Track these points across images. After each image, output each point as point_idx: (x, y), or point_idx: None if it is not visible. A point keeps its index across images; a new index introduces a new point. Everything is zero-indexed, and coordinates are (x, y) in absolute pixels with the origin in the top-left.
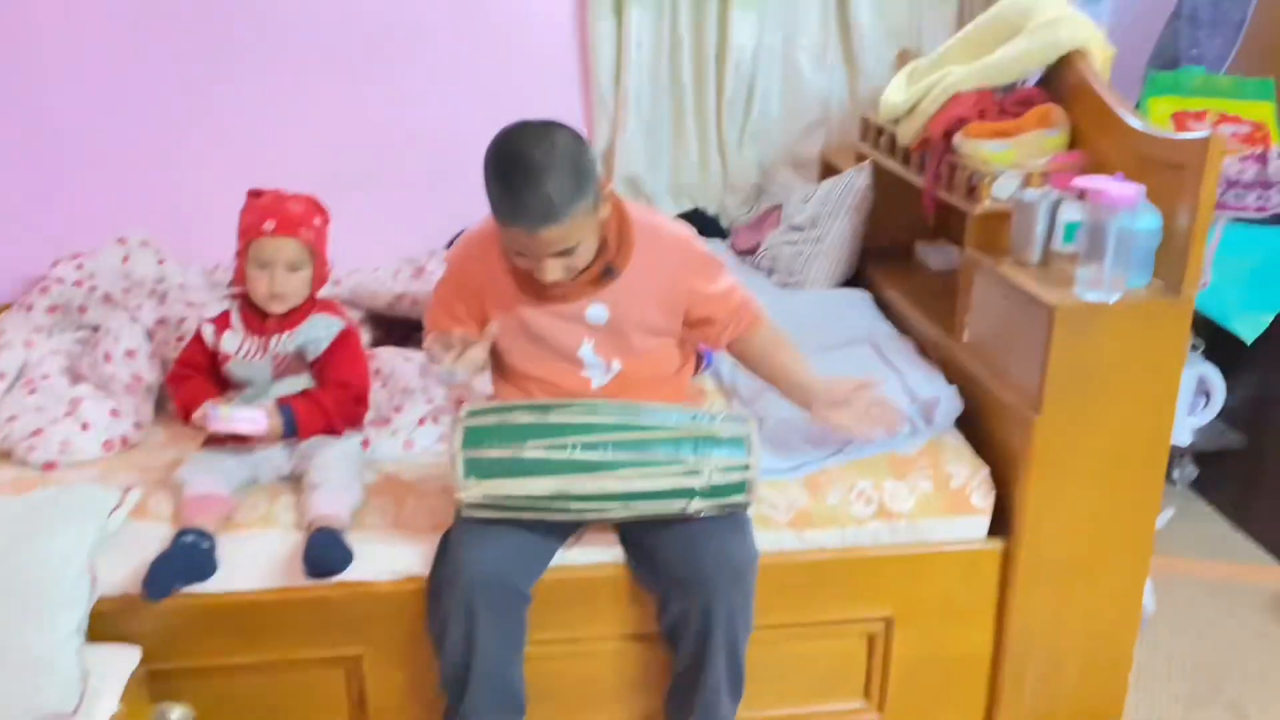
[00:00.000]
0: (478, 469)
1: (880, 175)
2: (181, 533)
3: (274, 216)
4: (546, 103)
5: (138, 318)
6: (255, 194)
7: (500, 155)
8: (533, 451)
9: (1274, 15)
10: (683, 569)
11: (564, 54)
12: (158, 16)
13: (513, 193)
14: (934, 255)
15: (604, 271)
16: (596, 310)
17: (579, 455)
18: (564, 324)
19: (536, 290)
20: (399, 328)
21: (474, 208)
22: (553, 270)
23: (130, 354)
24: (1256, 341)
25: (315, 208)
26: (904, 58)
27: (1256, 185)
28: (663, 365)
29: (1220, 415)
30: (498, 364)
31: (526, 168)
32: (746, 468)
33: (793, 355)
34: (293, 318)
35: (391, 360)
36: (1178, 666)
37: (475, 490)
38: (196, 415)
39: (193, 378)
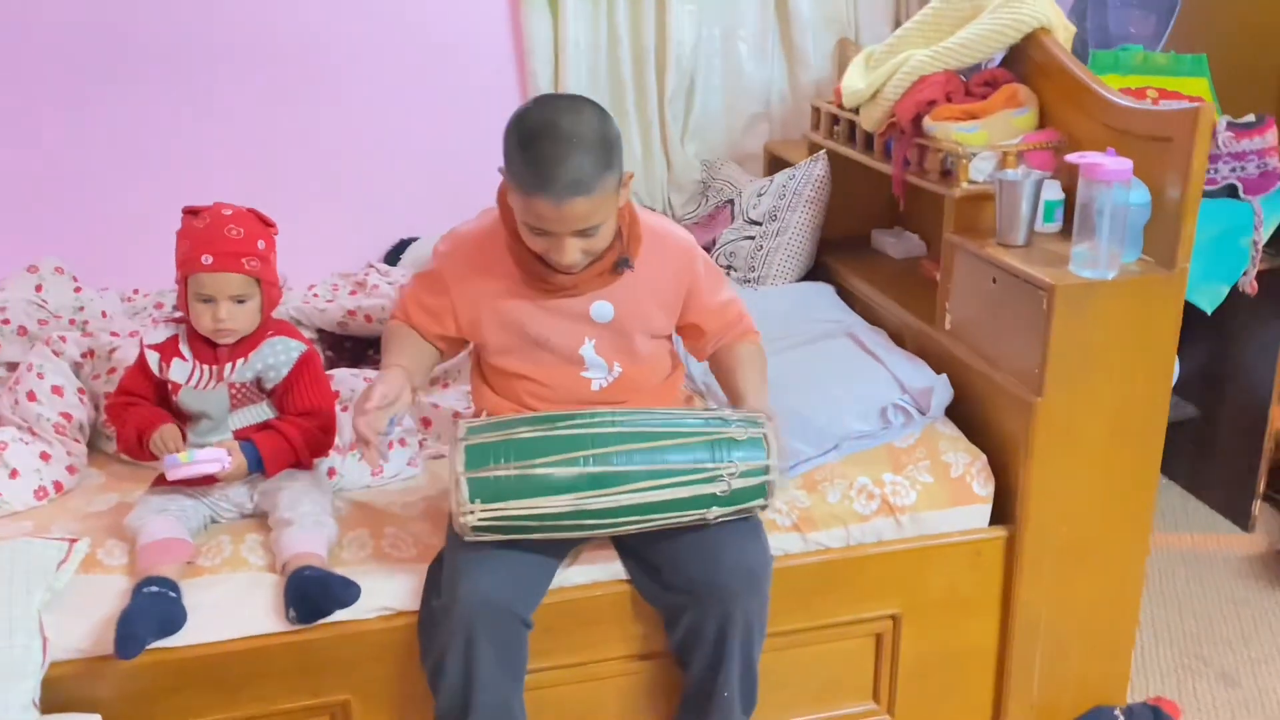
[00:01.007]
0: (483, 490)
1: (834, 164)
2: (143, 583)
3: (212, 249)
4: (482, 105)
5: (62, 351)
6: (191, 213)
7: (528, 124)
8: (542, 469)
9: None
10: (698, 578)
11: (500, 51)
12: (70, 25)
13: (542, 162)
14: (892, 243)
15: (617, 263)
16: (601, 307)
17: (592, 469)
18: (567, 322)
19: (542, 283)
20: (350, 346)
21: (409, 217)
22: (572, 251)
23: (56, 391)
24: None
25: (258, 227)
26: (844, 47)
27: (1211, 158)
28: (659, 369)
29: (1174, 387)
30: (485, 370)
31: (557, 136)
32: (766, 470)
33: (755, 377)
34: (246, 343)
35: (350, 381)
36: (1163, 639)
37: (482, 513)
38: (156, 444)
39: (139, 404)
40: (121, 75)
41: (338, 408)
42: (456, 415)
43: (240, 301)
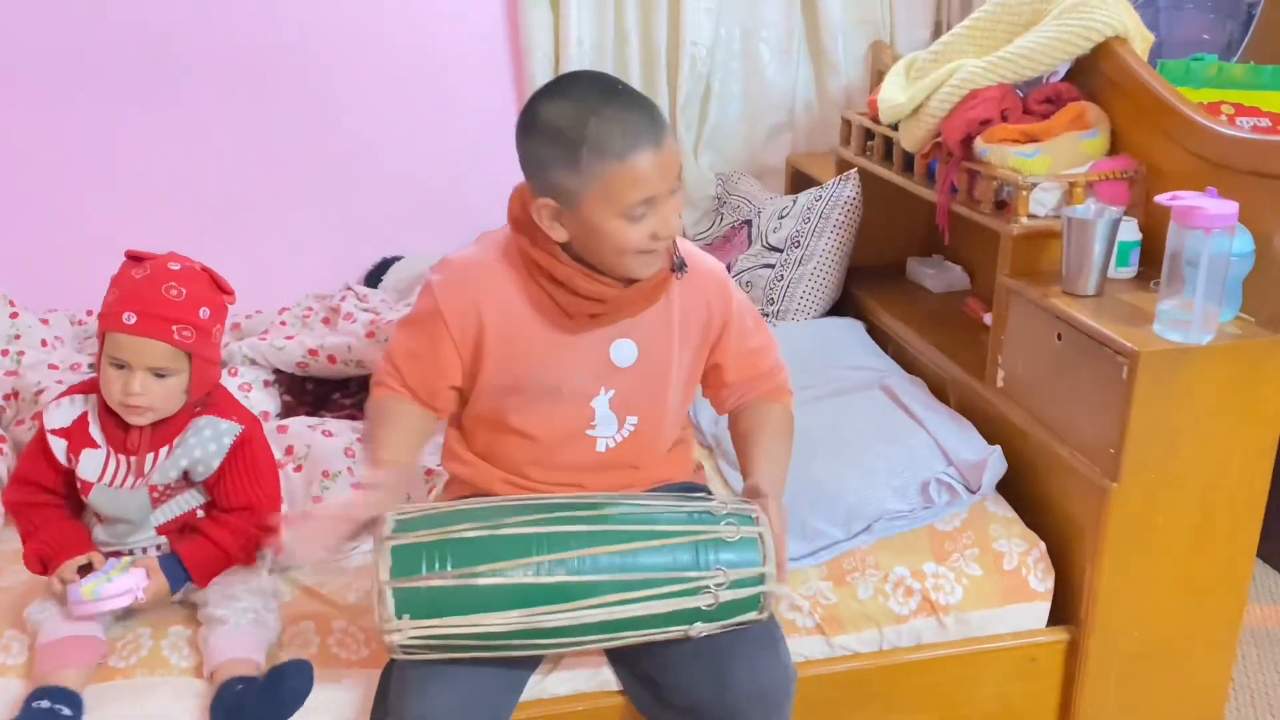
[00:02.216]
0: (413, 604)
1: (866, 184)
2: (34, 695)
3: (138, 307)
4: (475, 109)
5: None
6: (134, 259)
7: (577, 94)
8: (487, 578)
9: None
10: (704, 700)
11: (494, 52)
12: (18, 22)
13: (623, 113)
14: (931, 275)
15: (674, 266)
16: (623, 348)
17: (546, 579)
18: (583, 366)
19: (561, 314)
20: (312, 388)
21: (394, 233)
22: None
23: None
24: None
25: (207, 291)
26: (878, 51)
27: None
28: (673, 428)
29: None
30: (466, 426)
31: (617, 91)
32: (761, 579)
33: (774, 448)
34: (168, 428)
35: (306, 436)
36: None
37: (411, 631)
38: (55, 588)
39: (41, 506)
40: (88, 81)
41: (289, 467)
42: (429, 472)
43: (160, 376)
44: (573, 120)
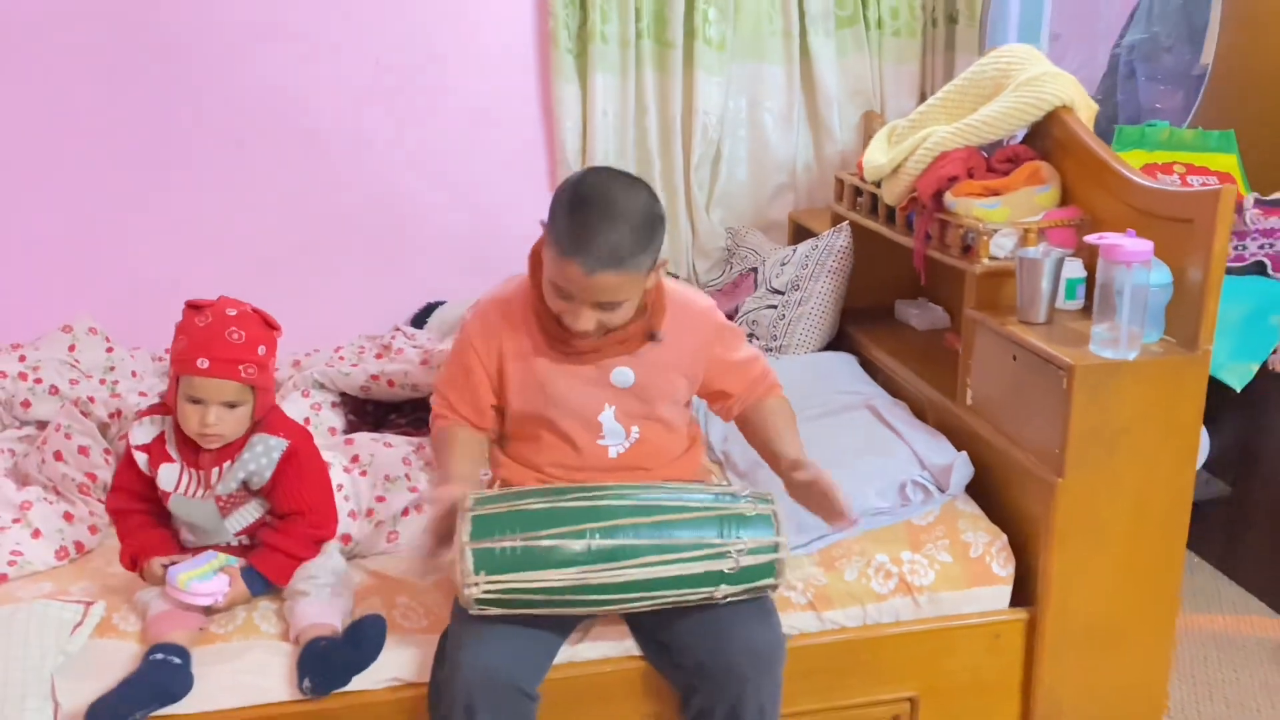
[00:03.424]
0: (488, 562)
1: (857, 235)
2: (151, 650)
3: (209, 353)
4: (511, 171)
5: (90, 411)
6: (194, 308)
7: (582, 187)
8: (548, 540)
9: (1232, 68)
10: (707, 660)
11: (528, 120)
12: (102, 96)
13: (585, 228)
14: (916, 314)
15: (649, 335)
16: (622, 373)
17: (598, 542)
18: (587, 387)
19: (564, 345)
20: (372, 410)
21: (437, 282)
22: (586, 320)
23: (83, 451)
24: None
25: (261, 331)
26: (869, 119)
27: (1235, 235)
28: (679, 438)
29: (1205, 464)
30: (504, 436)
31: (606, 206)
32: (776, 548)
33: (788, 430)
34: (230, 447)
35: (370, 446)
36: None
37: (486, 585)
38: (148, 574)
39: (135, 514)
40: (159, 141)
41: (355, 472)
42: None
43: (232, 407)
44: (567, 198)
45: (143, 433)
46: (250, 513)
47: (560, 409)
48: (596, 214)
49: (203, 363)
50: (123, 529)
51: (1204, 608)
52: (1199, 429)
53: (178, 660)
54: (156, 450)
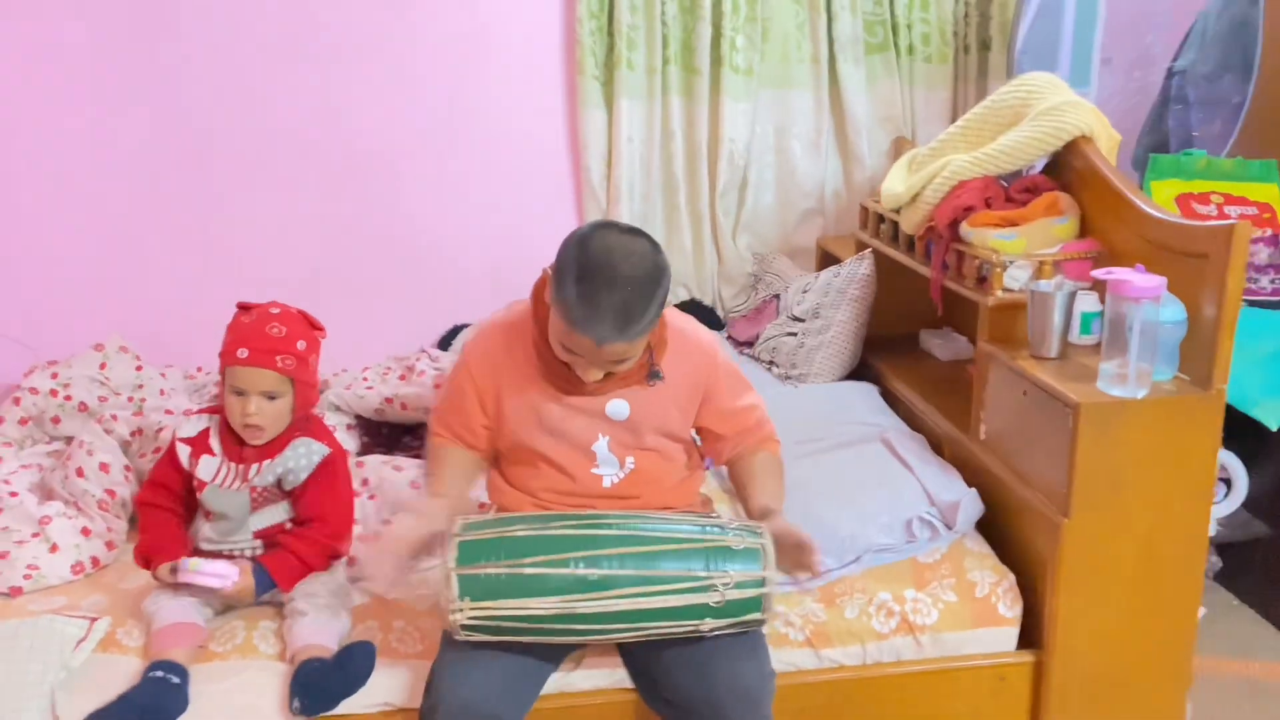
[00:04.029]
0: (473, 588)
1: (881, 263)
2: (151, 666)
3: (249, 344)
4: (537, 196)
5: (112, 429)
6: (243, 308)
7: (585, 259)
8: (532, 568)
9: (1274, 96)
10: (693, 697)
11: (554, 146)
12: (136, 120)
13: (593, 304)
14: (940, 344)
15: (649, 374)
16: (617, 405)
17: (582, 571)
18: (582, 418)
19: (561, 381)
20: (386, 432)
21: (463, 305)
22: (595, 374)
23: (104, 468)
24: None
25: (302, 329)
26: (899, 145)
27: (1269, 268)
28: (675, 468)
29: (1244, 504)
30: (501, 461)
31: (612, 280)
32: (763, 582)
33: (770, 487)
34: (273, 444)
35: (380, 470)
36: None
37: (471, 611)
38: (162, 573)
39: (161, 510)
40: (191, 166)
41: (364, 496)
42: (483, 506)
43: (272, 398)
44: (573, 270)
45: (189, 427)
46: (275, 514)
47: (555, 438)
48: (605, 287)
49: (242, 352)
50: (145, 522)
51: (1240, 652)
52: (1214, 469)
53: (176, 680)
54: (200, 444)
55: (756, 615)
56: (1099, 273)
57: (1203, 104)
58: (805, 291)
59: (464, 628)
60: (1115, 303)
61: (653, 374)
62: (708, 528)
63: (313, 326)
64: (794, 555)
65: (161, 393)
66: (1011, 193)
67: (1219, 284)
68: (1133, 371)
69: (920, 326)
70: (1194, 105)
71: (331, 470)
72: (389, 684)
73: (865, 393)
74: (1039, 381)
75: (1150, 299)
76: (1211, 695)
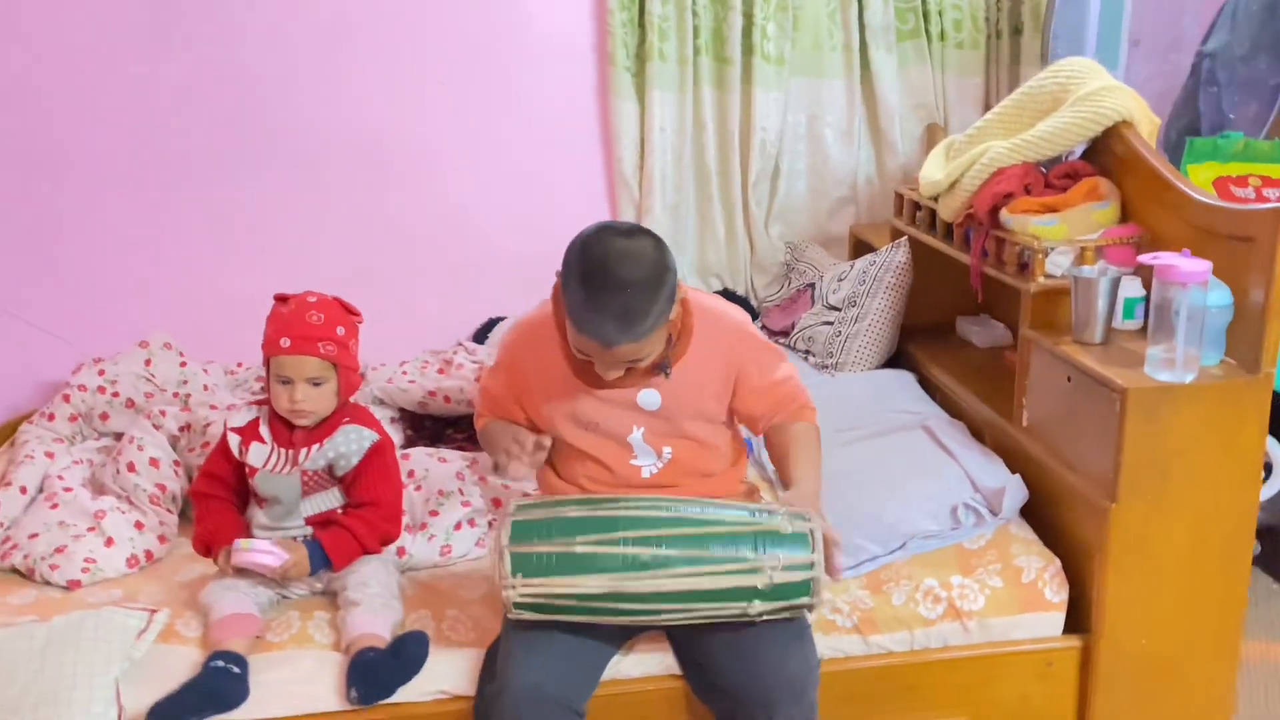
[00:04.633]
0: (525, 565)
1: (917, 251)
2: (212, 656)
3: (291, 333)
4: (570, 187)
5: (161, 424)
6: (281, 300)
7: (587, 264)
8: (583, 547)
9: None
10: (739, 683)
11: (586, 138)
12: (175, 118)
13: (596, 308)
14: (977, 331)
15: (659, 366)
16: (649, 395)
17: (631, 550)
18: (615, 410)
19: (590, 377)
20: (430, 425)
21: (498, 297)
22: (614, 371)
23: (154, 463)
24: None
25: (339, 315)
26: (932, 132)
27: None
28: (716, 456)
29: None
30: (551, 451)
31: (615, 284)
32: (811, 566)
33: (808, 458)
34: (322, 430)
35: (425, 462)
36: None
37: (522, 588)
38: (220, 561)
39: (216, 499)
40: (230, 163)
41: (410, 487)
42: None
43: (316, 384)
44: (577, 273)
45: (239, 418)
46: (326, 500)
47: (590, 433)
48: (606, 290)
49: (285, 342)
50: (201, 511)
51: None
52: (1261, 453)
53: (237, 670)
54: (249, 432)
55: (805, 599)
56: (1145, 258)
57: (1237, 86)
58: (841, 280)
59: (516, 605)
60: (1162, 287)
61: (661, 368)
62: (757, 512)
63: (350, 312)
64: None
65: (205, 388)
66: (1051, 179)
67: (1267, 267)
68: (1180, 356)
69: (956, 314)
70: (1225, 87)
71: (382, 457)
72: (444, 672)
73: (903, 380)
74: (1084, 367)
75: (1197, 283)
76: (1255, 680)
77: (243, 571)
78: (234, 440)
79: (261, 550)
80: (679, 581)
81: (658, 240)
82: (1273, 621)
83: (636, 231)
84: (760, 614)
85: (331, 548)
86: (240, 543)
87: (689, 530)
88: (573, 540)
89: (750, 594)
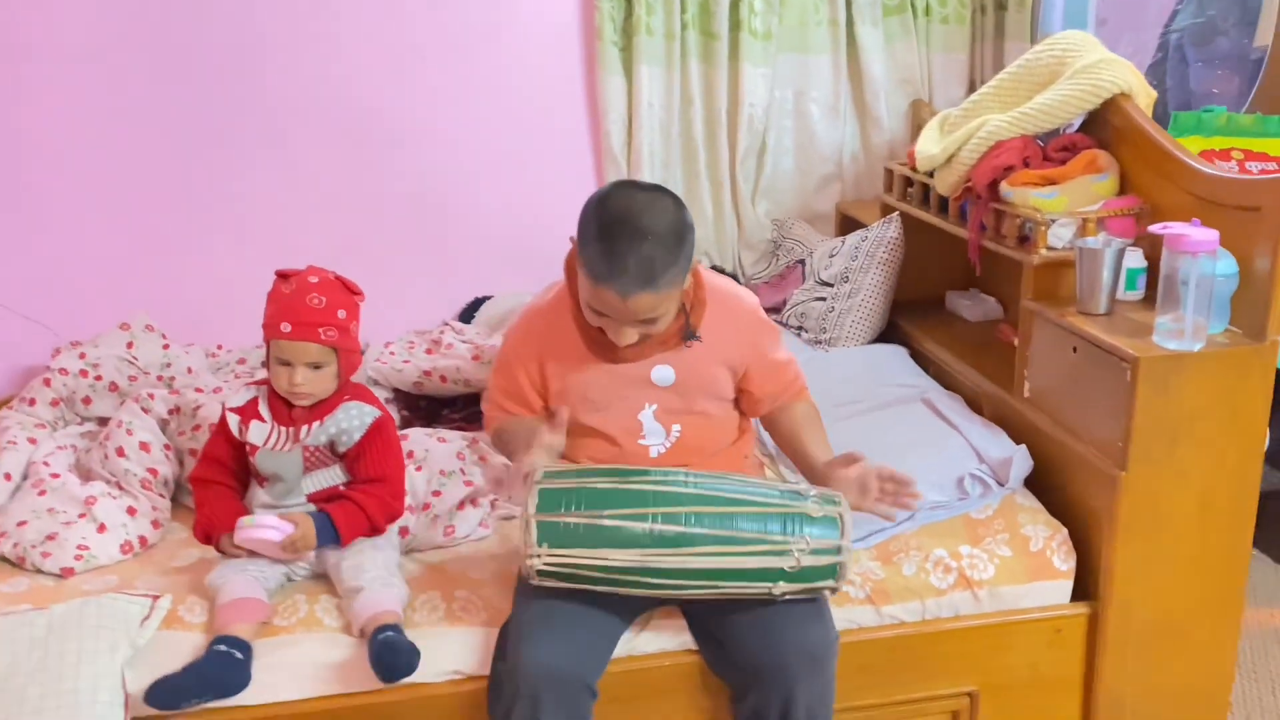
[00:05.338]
0: (551, 535)
1: (906, 226)
2: (216, 641)
3: (292, 318)
4: (558, 164)
5: (150, 408)
6: (282, 277)
7: (606, 213)
8: (611, 520)
9: None
10: (758, 658)
11: (573, 113)
12: (158, 97)
13: (615, 255)
14: (968, 306)
15: (684, 335)
16: (662, 371)
17: (660, 526)
18: (629, 387)
19: (604, 350)
20: (425, 406)
21: (484, 276)
22: (629, 336)
23: (144, 447)
24: None
25: (342, 295)
26: (917, 108)
27: None
28: (723, 433)
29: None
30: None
31: (634, 231)
32: (839, 550)
33: (820, 434)
34: (322, 407)
35: (424, 442)
36: None
37: (547, 558)
38: (225, 544)
39: (216, 485)
40: (212, 143)
41: (411, 468)
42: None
43: (317, 368)
44: (594, 225)
45: (238, 398)
46: (328, 477)
47: (602, 412)
48: (626, 238)
49: (285, 327)
50: (201, 498)
51: (1265, 602)
52: (1265, 420)
53: (240, 656)
54: (249, 410)
55: (830, 582)
56: (1156, 228)
57: (1218, 61)
58: (832, 256)
59: (540, 573)
60: (1171, 257)
61: (688, 334)
62: (786, 493)
63: (351, 292)
64: (895, 487)
65: (189, 370)
66: (1049, 151)
67: (1273, 236)
68: (1189, 325)
69: (945, 289)
70: (1199, 64)
71: (384, 434)
72: (457, 652)
73: (897, 355)
74: (1093, 338)
75: (1207, 252)
76: (1246, 644)
77: (250, 553)
78: (233, 420)
79: (266, 525)
80: (706, 560)
81: (678, 199)
82: (1255, 589)
83: (657, 187)
84: (784, 594)
85: (341, 521)
86: (244, 520)
87: (718, 509)
88: (600, 513)
89: (776, 575)
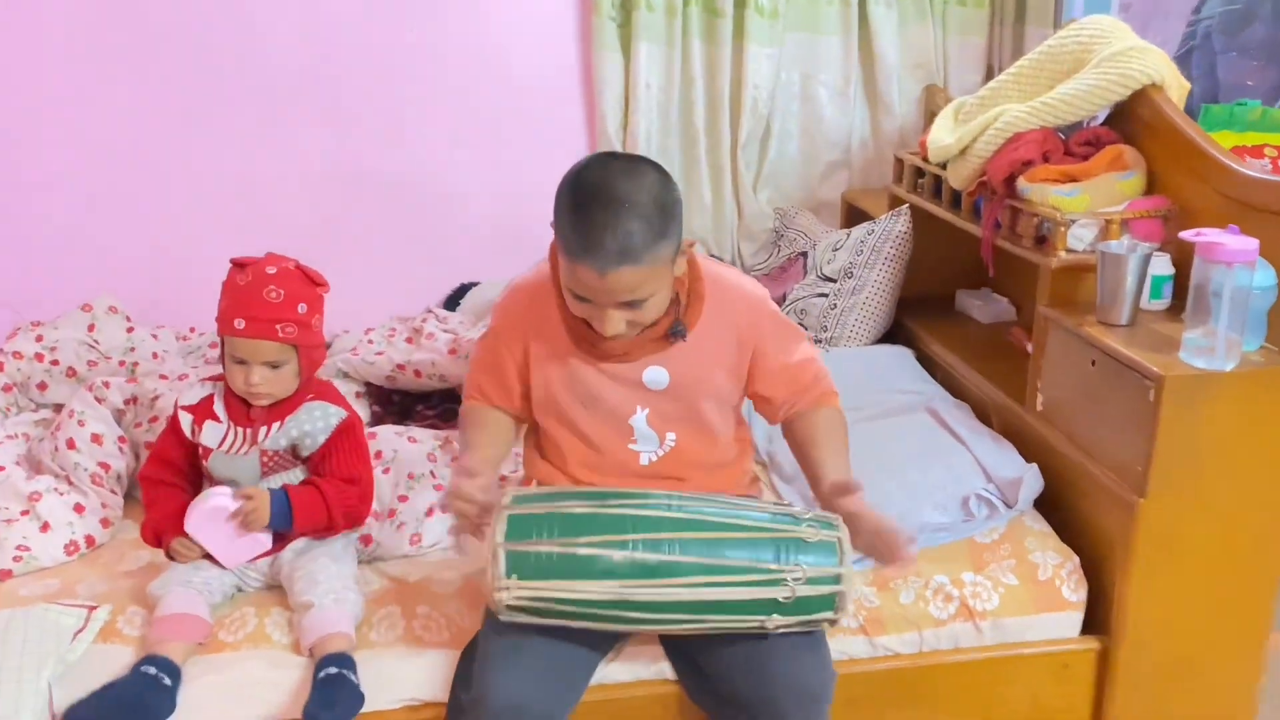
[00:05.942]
0: (521, 566)
1: (916, 219)
2: (142, 661)
3: (246, 313)
4: (549, 145)
5: (105, 397)
6: (238, 266)
7: (579, 183)
8: (587, 548)
9: None
10: (749, 694)
11: (567, 92)
12: (122, 64)
13: (589, 226)
14: (979, 306)
15: (671, 331)
16: (655, 373)
17: (641, 555)
18: (619, 387)
19: (592, 345)
20: (398, 401)
21: (471, 261)
22: (615, 323)
23: (96, 439)
24: None
25: (301, 289)
26: (931, 94)
27: None
28: (721, 445)
29: None
30: (538, 433)
31: (609, 200)
32: (838, 579)
33: (836, 446)
34: (283, 407)
35: (393, 441)
36: None
37: (517, 591)
38: (177, 547)
39: (166, 485)
40: (185, 115)
41: (378, 470)
42: (503, 479)
43: (275, 367)
44: (567, 198)
45: (191, 395)
46: (287, 480)
47: (588, 410)
48: (600, 210)
49: (239, 323)
50: (150, 498)
51: None
52: None
53: (167, 681)
54: (203, 410)
55: (828, 614)
56: (1188, 234)
57: (1252, 52)
58: (836, 249)
59: (509, 608)
60: (1203, 266)
61: (674, 330)
62: (779, 516)
63: (314, 283)
64: (885, 545)
65: (154, 356)
66: (1071, 145)
67: None
68: (1221, 342)
69: (955, 287)
70: (1231, 55)
71: (352, 435)
72: (415, 677)
73: (901, 357)
74: (1113, 351)
75: (1244, 263)
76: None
77: (205, 555)
78: (185, 419)
79: (219, 495)
80: (691, 591)
81: (663, 169)
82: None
83: (639, 158)
84: (778, 628)
85: (298, 504)
86: (195, 501)
87: (705, 534)
88: (575, 540)
89: (769, 607)
